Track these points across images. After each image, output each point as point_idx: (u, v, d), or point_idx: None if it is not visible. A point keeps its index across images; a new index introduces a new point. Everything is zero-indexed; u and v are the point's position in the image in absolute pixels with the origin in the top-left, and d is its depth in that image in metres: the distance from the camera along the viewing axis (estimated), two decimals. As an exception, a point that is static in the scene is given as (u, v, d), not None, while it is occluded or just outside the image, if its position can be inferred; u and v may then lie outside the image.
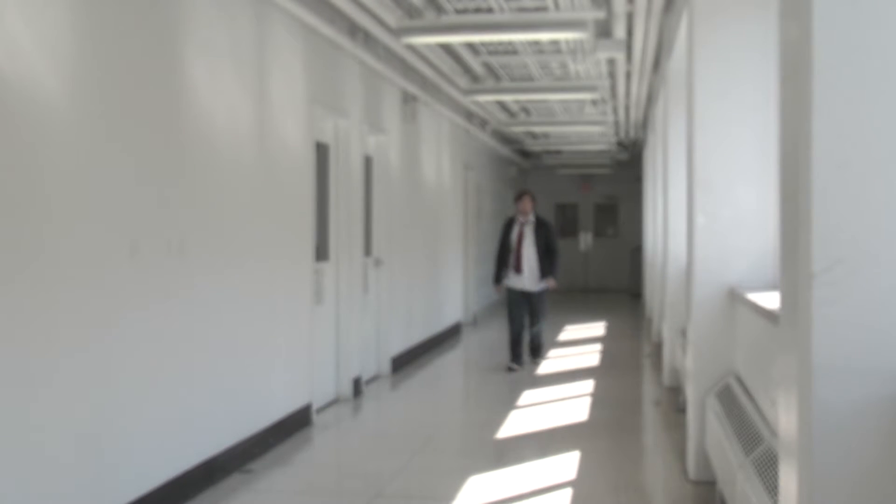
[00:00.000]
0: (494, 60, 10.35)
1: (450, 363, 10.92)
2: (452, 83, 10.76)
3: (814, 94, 2.27)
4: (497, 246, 10.05)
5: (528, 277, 9.76)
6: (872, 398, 2.29)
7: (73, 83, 4.11)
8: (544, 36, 8.24)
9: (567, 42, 9.45)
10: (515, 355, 9.84)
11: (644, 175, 17.03)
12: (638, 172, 19.68)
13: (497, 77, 11.34)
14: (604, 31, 8.35)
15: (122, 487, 4.46)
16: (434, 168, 11.79)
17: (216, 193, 5.49)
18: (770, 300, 4.04)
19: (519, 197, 9.98)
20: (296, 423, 6.70)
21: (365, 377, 8.60)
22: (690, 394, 5.55)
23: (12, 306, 3.69)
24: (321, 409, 7.40)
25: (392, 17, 7.51)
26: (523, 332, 9.89)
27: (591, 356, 10.96)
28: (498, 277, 9.99)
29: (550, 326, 13.84)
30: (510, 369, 9.69)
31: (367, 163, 8.95)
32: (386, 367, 9.34)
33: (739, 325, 5.03)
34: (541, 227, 9.85)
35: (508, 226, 10.02)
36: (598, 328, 14.20)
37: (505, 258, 9.90)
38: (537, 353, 10.24)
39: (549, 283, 9.88)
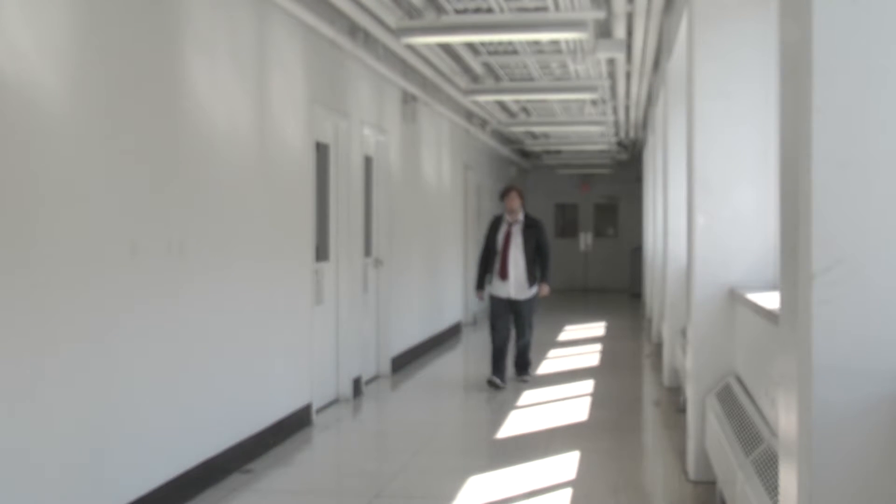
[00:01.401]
0: (494, 60, 10.35)
1: (450, 363, 10.92)
2: (452, 83, 10.76)
3: (814, 94, 2.27)
4: (481, 248, 8.94)
5: (514, 284, 8.58)
6: (872, 398, 2.29)
7: (72, 83, 4.11)
8: (544, 36, 8.24)
9: (567, 42, 9.45)
10: (498, 369, 8.66)
11: (644, 175, 17.04)
12: (638, 172, 19.69)
13: (497, 77, 11.34)
14: (604, 31, 8.36)
15: (123, 487, 4.46)
16: (434, 168, 11.79)
17: (216, 194, 5.49)
18: (770, 300, 4.04)
19: (505, 193, 8.77)
20: (296, 423, 6.70)
21: (365, 377, 8.60)
22: (690, 394, 5.55)
23: (11, 306, 3.69)
24: (321, 409, 7.40)
25: (392, 17, 7.51)
26: (508, 346, 8.72)
27: (591, 356, 10.96)
28: (480, 283, 8.92)
29: (550, 327, 13.86)
30: (491, 384, 8.58)
31: (367, 163, 8.95)
32: (386, 367, 9.34)
33: (739, 325, 5.03)
34: (531, 228, 8.65)
35: (494, 225, 8.82)
36: (597, 328, 14.20)
37: (489, 262, 8.76)
38: (524, 369, 8.97)
39: (542, 289, 8.75)
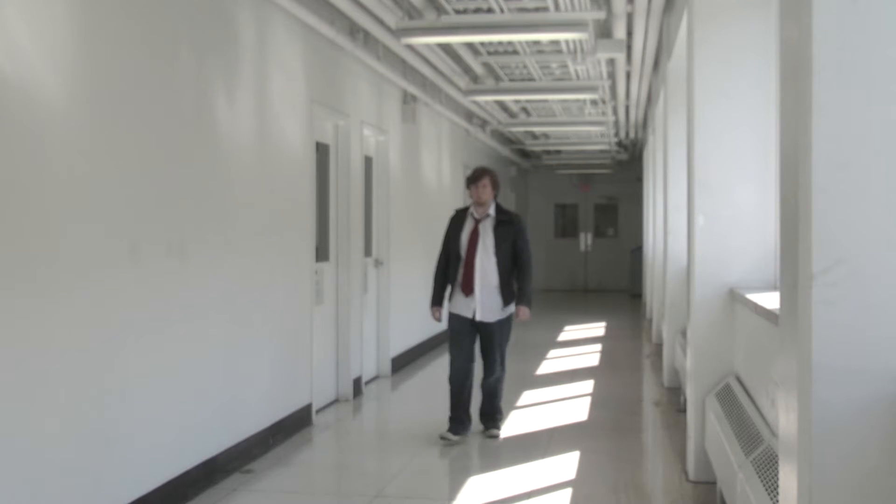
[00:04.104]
0: (494, 60, 10.35)
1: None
2: (452, 83, 10.76)
3: (814, 94, 2.27)
4: (439, 252, 6.69)
5: (481, 301, 6.37)
6: (872, 398, 2.30)
7: (72, 83, 4.11)
8: (544, 36, 8.24)
9: (567, 42, 9.45)
10: (456, 418, 6.49)
11: (644, 175, 17.04)
12: (638, 172, 19.69)
13: (497, 77, 11.34)
14: (604, 31, 8.36)
15: (122, 487, 4.46)
16: (434, 168, 11.79)
17: (216, 194, 5.49)
18: (770, 300, 4.04)
19: (474, 180, 6.49)
20: (296, 423, 6.70)
21: (365, 377, 8.60)
22: (690, 394, 5.55)
23: (12, 307, 3.69)
24: (321, 409, 7.40)
25: (392, 18, 7.51)
26: (469, 383, 6.54)
27: (591, 356, 10.96)
28: (437, 297, 6.62)
29: (550, 327, 13.87)
30: (444, 439, 6.39)
31: (367, 163, 8.95)
32: (386, 367, 9.34)
33: (739, 325, 5.03)
34: (504, 226, 6.44)
35: (457, 222, 6.59)
36: (597, 328, 14.20)
37: (448, 269, 6.56)
38: (493, 418, 6.65)
39: (521, 313, 6.47)
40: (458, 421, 6.49)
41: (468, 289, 6.39)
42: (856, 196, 2.27)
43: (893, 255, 2.27)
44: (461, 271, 6.43)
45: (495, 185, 6.53)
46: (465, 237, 6.46)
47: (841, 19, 2.25)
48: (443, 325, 6.90)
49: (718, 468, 4.58)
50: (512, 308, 6.50)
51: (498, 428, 6.68)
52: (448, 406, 6.52)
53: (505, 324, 6.50)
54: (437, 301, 6.63)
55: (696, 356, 5.35)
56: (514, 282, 6.47)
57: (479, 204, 6.50)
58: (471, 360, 6.52)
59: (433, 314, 6.64)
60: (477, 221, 6.49)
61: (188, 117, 5.15)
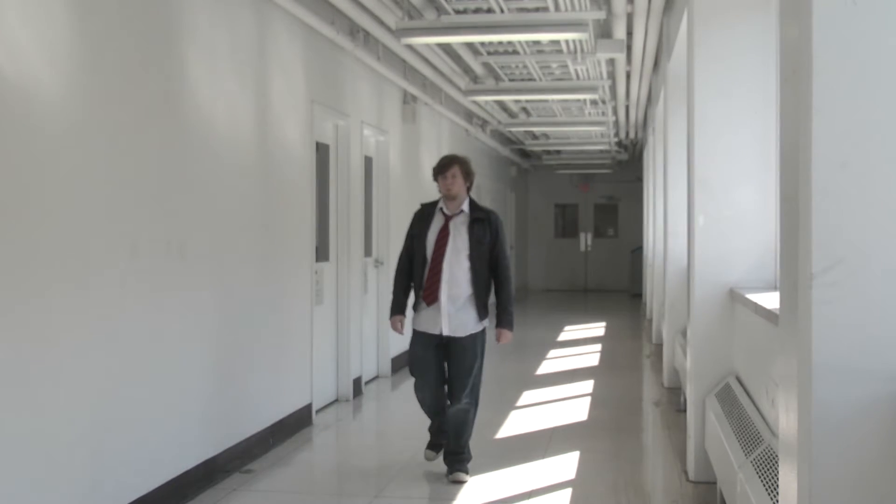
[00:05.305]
0: (494, 60, 10.35)
1: (450, 363, 10.90)
2: (452, 83, 10.77)
3: (814, 94, 2.27)
4: (400, 252, 5.70)
5: (449, 314, 5.35)
6: (872, 398, 2.30)
7: (72, 83, 4.11)
8: (545, 36, 8.23)
9: (567, 42, 9.45)
10: (438, 436, 5.72)
11: (644, 175, 17.04)
12: (638, 172, 19.71)
13: (497, 77, 11.34)
14: (604, 31, 8.37)
15: (122, 488, 4.46)
16: (434, 168, 11.79)
17: (216, 194, 5.49)
18: (770, 300, 4.04)
19: (441, 169, 5.49)
20: (296, 423, 6.70)
21: (365, 377, 8.60)
22: (690, 394, 5.55)
23: (11, 307, 3.69)
24: (321, 409, 7.40)
25: (392, 18, 7.52)
26: (443, 405, 5.57)
27: (591, 356, 10.96)
28: (398, 305, 5.59)
29: (550, 327, 13.85)
30: (430, 459, 5.74)
31: (367, 163, 8.95)
32: (386, 367, 9.33)
33: (739, 325, 5.03)
34: (480, 224, 5.42)
35: (422, 219, 5.56)
36: (598, 328, 14.20)
37: (412, 273, 5.53)
38: (458, 459, 5.52)
39: (503, 337, 5.51)
40: (445, 433, 5.66)
41: (431, 297, 5.35)
42: (856, 196, 2.27)
43: (893, 255, 2.27)
44: (426, 277, 5.41)
45: (467, 176, 5.51)
46: (431, 237, 5.45)
47: (841, 19, 2.26)
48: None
49: (718, 468, 4.58)
50: (486, 322, 5.48)
51: (465, 471, 5.49)
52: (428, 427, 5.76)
53: (478, 339, 5.44)
54: (398, 309, 5.58)
55: (696, 356, 5.35)
56: (489, 293, 5.50)
57: (450, 198, 5.48)
58: (439, 395, 5.56)
59: (393, 325, 5.59)
60: (447, 219, 5.47)
61: (188, 117, 5.15)
